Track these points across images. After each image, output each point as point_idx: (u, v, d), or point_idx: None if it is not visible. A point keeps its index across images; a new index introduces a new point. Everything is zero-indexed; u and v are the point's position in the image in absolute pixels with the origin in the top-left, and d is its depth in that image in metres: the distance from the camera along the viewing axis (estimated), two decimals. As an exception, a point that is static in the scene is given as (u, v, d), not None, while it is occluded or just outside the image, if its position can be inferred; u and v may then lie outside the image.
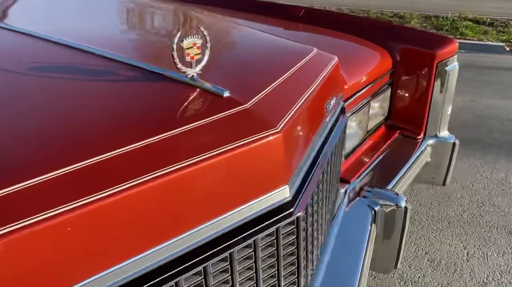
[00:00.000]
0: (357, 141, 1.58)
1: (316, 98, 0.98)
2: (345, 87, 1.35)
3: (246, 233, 0.72)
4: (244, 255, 0.75)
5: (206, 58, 0.80)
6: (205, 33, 0.81)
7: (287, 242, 0.82)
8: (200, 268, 0.68)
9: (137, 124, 0.71)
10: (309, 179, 0.88)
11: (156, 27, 1.45)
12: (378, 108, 1.68)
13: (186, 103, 0.77)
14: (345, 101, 1.34)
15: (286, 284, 0.87)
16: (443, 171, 1.75)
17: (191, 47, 0.79)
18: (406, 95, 1.69)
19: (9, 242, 0.49)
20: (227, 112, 0.75)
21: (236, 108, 0.76)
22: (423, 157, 1.66)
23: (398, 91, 1.70)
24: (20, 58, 0.99)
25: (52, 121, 0.71)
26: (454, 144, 1.71)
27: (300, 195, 0.82)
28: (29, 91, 0.81)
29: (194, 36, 0.79)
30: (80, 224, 0.55)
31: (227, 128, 0.72)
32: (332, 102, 1.10)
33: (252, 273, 0.77)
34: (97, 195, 0.56)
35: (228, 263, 0.72)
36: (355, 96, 1.43)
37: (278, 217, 0.77)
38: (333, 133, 1.10)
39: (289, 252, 0.84)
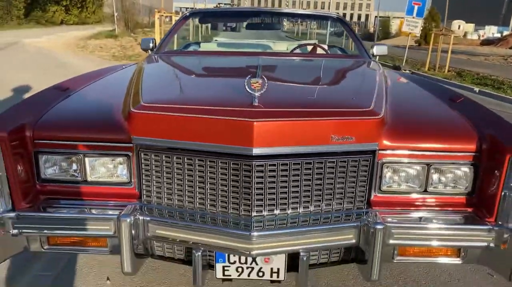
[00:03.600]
0: (407, 188, 1.77)
1: (317, 127, 1.64)
2: (384, 141, 1.69)
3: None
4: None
5: (264, 89, 1.66)
6: (265, 78, 1.68)
7: (245, 174, 1.61)
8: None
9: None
10: (280, 158, 1.62)
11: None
12: (446, 178, 1.77)
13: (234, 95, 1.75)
14: (385, 149, 1.69)
15: (244, 208, 1.64)
16: (507, 264, 1.66)
17: (256, 83, 1.66)
18: (483, 178, 1.73)
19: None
20: (241, 108, 1.62)
21: (249, 108, 1.61)
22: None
23: (481, 174, 1.74)
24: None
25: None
26: None
27: (264, 156, 1.59)
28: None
29: (263, 78, 1.68)
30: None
31: (238, 114, 1.58)
32: (345, 139, 1.64)
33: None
34: None
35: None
36: (399, 152, 1.71)
37: (238, 158, 1.59)
38: (334, 157, 1.66)
39: (246, 183, 1.61)
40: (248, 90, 1.67)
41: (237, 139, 1.58)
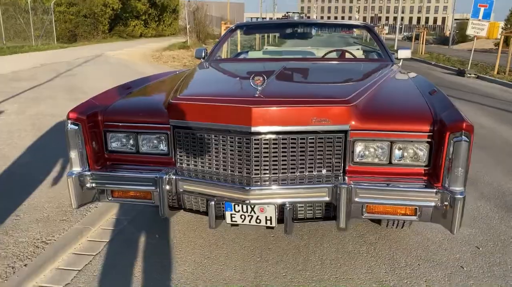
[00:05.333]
0: (375, 161, 2.28)
1: (300, 112, 2.18)
2: (353, 122, 2.19)
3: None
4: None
5: (264, 84, 2.25)
6: (267, 77, 2.28)
7: (246, 146, 2.18)
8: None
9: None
10: (271, 134, 2.18)
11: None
12: (407, 153, 2.22)
13: (243, 89, 2.41)
14: (356, 129, 2.21)
15: (245, 170, 2.22)
16: (449, 219, 2.08)
17: (258, 80, 2.24)
18: (436, 153, 2.19)
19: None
20: (245, 98, 2.21)
21: (250, 98, 2.20)
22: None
23: (434, 149, 2.17)
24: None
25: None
26: (455, 198, 2.02)
27: (260, 133, 2.15)
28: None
29: (263, 76, 2.27)
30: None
31: (242, 102, 2.16)
32: (323, 121, 2.20)
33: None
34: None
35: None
36: (367, 131, 2.21)
37: (241, 134, 2.16)
38: (315, 135, 2.21)
39: (247, 153, 2.18)
40: (252, 84, 2.27)
41: (241, 120, 2.18)
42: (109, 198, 2.51)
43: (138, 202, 2.51)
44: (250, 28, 5.17)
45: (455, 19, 39.41)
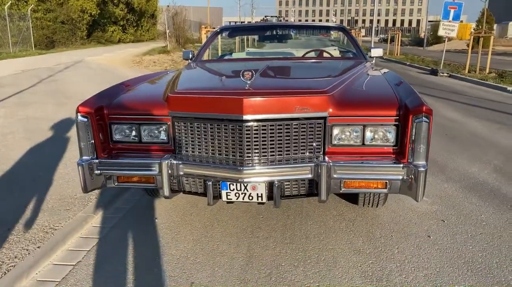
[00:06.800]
0: (351, 142, 2.61)
1: (285, 102, 2.51)
2: (330, 110, 2.53)
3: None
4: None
5: (253, 79, 2.57)
6: (254, 73, 2.61)
7: (238, 132, 2.49)
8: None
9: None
10: (261, 121, 2.48)
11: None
12: (378, 135, 2.60)
13: (234, 83, 2.76)
14: (333, 116, 2.55)
15: (238, 153, 2.53)
16: (414, 189, 2.45)
17: (247, 74, 2.56)
18: (402, 134, 2.54)
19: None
20: (236, 91, 2.53)
21: (241, 90, 2.52)
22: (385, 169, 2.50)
23: (401, 131, 2.58)
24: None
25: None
26: (418, 171, 2.38)
27: (250, 120, 2.46)
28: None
29: (252, 71, 2.58)
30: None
31: (234, 94, 2.49)
32: (304, 109, 2.53)
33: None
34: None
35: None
36: (343, 117, 2.56)
37: (234, 122, 2.48)
38: (298, 121, 2.54)
39: (239, 138, 2.50)
40: (242, 79, 2.58)
41: (234, 110, 2.49)
42: (115, 184, 2.78)
43: (141, 186, 2.80)
44: (234, 30, 5.51)
45: (429, 21, 40.62)
